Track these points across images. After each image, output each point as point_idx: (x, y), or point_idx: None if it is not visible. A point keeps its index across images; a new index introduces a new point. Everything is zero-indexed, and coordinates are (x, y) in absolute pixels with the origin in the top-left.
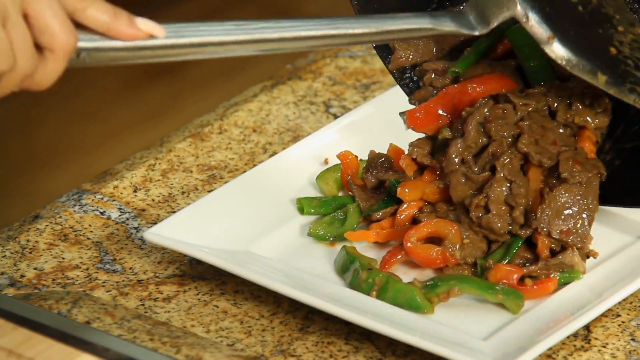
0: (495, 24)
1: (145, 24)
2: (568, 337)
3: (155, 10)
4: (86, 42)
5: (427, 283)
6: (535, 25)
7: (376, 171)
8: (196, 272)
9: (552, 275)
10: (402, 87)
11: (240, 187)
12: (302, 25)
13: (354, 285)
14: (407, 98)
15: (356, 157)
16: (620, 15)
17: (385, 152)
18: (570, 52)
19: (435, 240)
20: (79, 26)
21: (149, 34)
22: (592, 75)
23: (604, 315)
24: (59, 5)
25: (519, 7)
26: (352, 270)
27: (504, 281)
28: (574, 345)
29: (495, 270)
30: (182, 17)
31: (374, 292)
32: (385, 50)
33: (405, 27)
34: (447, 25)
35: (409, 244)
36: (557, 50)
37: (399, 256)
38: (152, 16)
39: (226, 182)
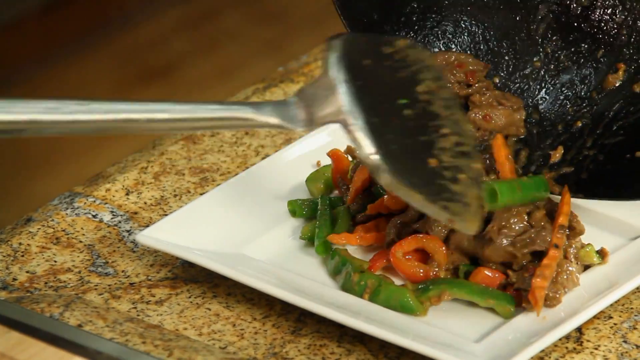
0: (318, 125)
1: None
2: (560, 340)
3: (153, 12)
4: None
5: (419, 286)
6: (358, 138)
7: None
8: (188, 275)
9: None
10: None
11: (232, 190)
12: (112, 107)
13: (346, 287)
14: None
15: (346, 155)
16: (448, 112)
17: None
18: (389, 173)
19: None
20: None
21: None
22: (409, 196)
23: (596, 317)
24: None
25: (343, 115)
26: (344, 273)
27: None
28: (566, 348)
29: (475, 273)
30: (180, 18)
31: (367, 295)
32: None
33: (223, 115)
34: (268, 117)
35: (394, 258)
36: (376, 170)
37: (386, 260)
38: (150, 17)
39: (218, 185)
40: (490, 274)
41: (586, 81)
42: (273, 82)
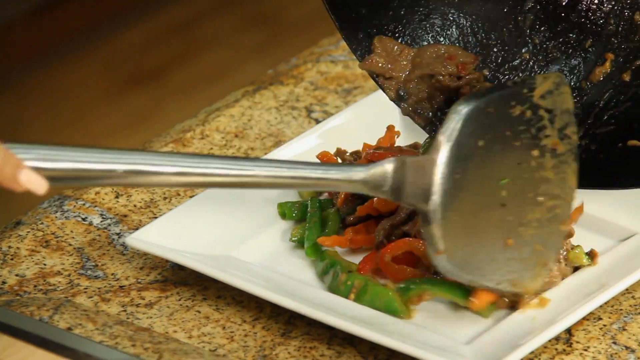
0: (405, 204)
1: (28, 178)
2: (550, 341)
3: (143, 15)
4: None
5: (400, 286)
6: (434, 235)
7: None
8: (178, 278)
9: None
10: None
11: (222, 193)
12: (209, 163)
13: (332, 287)
14: (388, 102)
15: (336, 158)
16: (557, 170)
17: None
18: (454, 270)
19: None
20: None
21: (28, 189)
22: (471, 283)
23: (585, 318)
24: None
25: (428, 209)
26: (331, 273)
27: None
28: (556, 349)
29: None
30: (171, 21)
31: (352, 295)
32: (359, 46)
33: (312, 176)
34: (360, 186)
35: (383, 262)
36: (441, 266)
37: (375, 262)
38: (139, 21)
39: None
40: None
41: (575, 71)
42: (263, 84)
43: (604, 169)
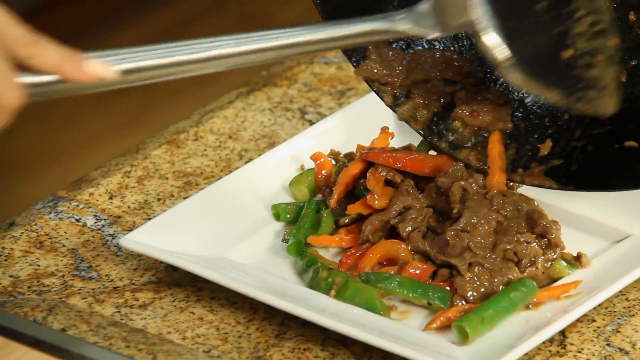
0: (452, 30)
1: (95, 66)
2: (544, 343)
3: (139, 14)
4: (35, 89)
5: (362, 277)
6: (492, 43)
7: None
8: (172, 279)
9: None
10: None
11: (216, 194)
12: (252, 38)
13: (312, 284)
14: (381, 104)
15: (330, 159)
16: None
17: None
18: (523, 76)
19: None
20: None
21: (99, 77)
22: (544, 94)
23: (579, 320)
24: (4, 62)
25: (477, 21)
26: (311, 271)
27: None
28: (550, 351)
29: (409, 266)
30: (163, 22)
31: (333, 292)
32: (353, 52)
33: (362, 31)
34: (403, 25)
35: (365, 271)
36: (510, 75)
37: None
38: (132, 22)
39: (202, 189)
40: (417, 271)
41: None
42: (256, 86)
43: (601, 170)
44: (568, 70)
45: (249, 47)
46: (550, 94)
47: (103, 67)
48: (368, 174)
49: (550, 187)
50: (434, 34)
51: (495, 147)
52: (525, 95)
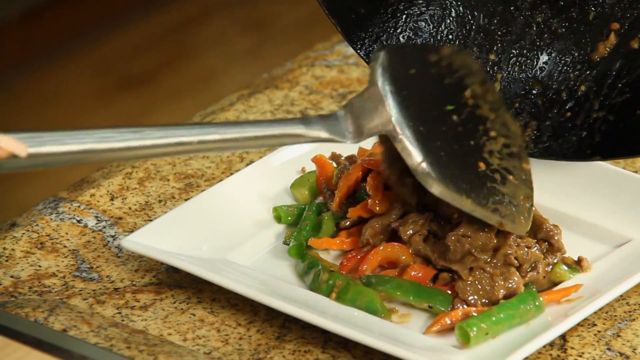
0: (367, 136)
1: (6, 142)
2: (544, 347)
3: (133, 19)
4: None
5: (362, 280)
6: (407, 147)
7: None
8: (173, 280)
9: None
10: None
11: (217, 196)
12: (164, 132)
13: (313, 287)
14: None
15: (331, 162)
16: (494, 114)
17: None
18: (438, 181)
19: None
20: None
21: (10, 152)
22: (459, 201)
23: (580, 324)
24: None
25: (392, 125)
26: (312, 273)
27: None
28: (550, 355)
29: (410, 268)
30: (161, 25)
31: (334, 294)
32: (362, 46)
33: (274, 133)
34: (318, 132)
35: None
36: (425, 178)
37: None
38: (130, 25)
39: (203, 191)
40: (419, 274)
41: (582, 45)
42: (257, 88)
43: (627, 137)
44: (483, 180)
45: (152, 142)
46: (466, 202)
47: (15, 143)
48: (368, 179)
49: (573, 160)
50: (348, 140)
51: None
52: (539, 71)
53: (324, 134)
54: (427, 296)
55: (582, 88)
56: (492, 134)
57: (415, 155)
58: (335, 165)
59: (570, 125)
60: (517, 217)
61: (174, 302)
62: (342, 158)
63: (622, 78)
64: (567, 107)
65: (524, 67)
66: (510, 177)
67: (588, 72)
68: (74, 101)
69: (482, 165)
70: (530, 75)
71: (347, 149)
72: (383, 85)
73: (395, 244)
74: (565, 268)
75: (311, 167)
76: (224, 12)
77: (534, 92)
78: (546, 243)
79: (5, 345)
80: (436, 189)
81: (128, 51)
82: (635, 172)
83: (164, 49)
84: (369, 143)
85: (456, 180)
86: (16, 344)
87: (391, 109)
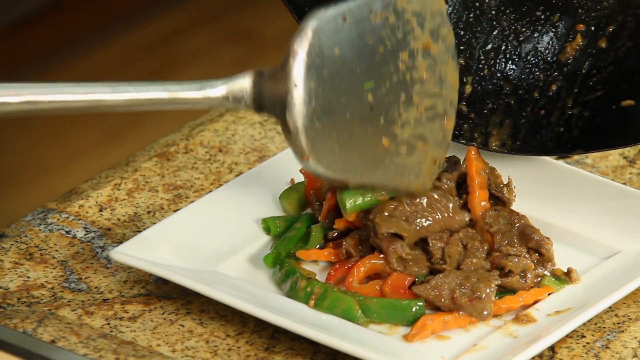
0: (261, 114)
1: None
2: (533, 358)
3: (121, 30)
4: None
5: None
6: (294, 142)
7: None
8: (162, 292)
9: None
10: None
11: (206, 207)
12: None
13: (291, 294)
14: None
15: None
16: (429, 73)
17: None
18: (326, 170)
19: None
20: None
21: None
22: (347, 182)
23: (568, 336)
24: None
25: (288, 117)
26: (290, 281)
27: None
28: None
29: (390, 278)
30: (153, 33)
31: (312, 301)
32: None
33: (168, 97)
34: (215, 88)
35: (351, 287)
36: (310, 169)
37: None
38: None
39: (192, 202)
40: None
41: (549, 46)
42: None
43: (605, 131)
44: (384, 157)
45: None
46: (354, 182)
47: None
48: None
49: (554, 154)
50: (243, 105)
51: (472, 164)
52: (509, 72)
53: (221, 91)
54: (403, 311)
55: (553, 87)
56: (415, 99)
57: (300, 150)
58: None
59: (545, 122)
60: (415, 182)
61: (163, 313)
62: None
63: (593, 77)
64: (540, 105)
65: (493, 69)
66: (420, 144)
67: (557, 73)
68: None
69: (385, 142)
70: (500, 77)
71: None
72: (297, 73)
73: (380, 255)
74: (553, 279)
75: (300, 178)
76: (211, 23)
77: (505, 91)
78: (537, 254)
79: None
80: (324, 178)
81: (116, 62)
82: (624, 183)
83: (152, 59)
84: None
85: (349, 168)
86: (5, 354)
87: (294, 104)
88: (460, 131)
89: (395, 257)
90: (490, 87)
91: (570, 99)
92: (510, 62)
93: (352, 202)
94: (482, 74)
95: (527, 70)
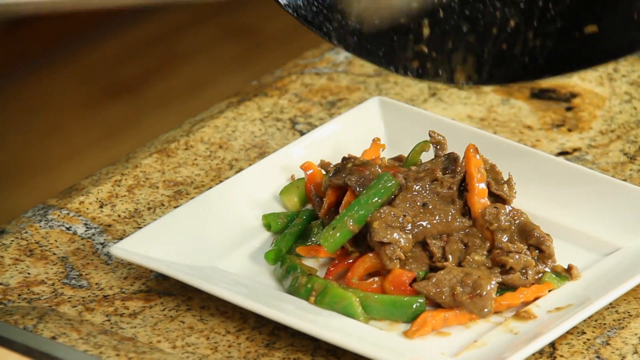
0: None
1: None
2: (534, 355)
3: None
4: None
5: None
6: None
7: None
8: (162, 288)
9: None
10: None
11: (206, 203)
12: None
13: (292, 290)
14: (372, 115)
15: (320, 169)
16: None
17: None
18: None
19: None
20: None
21: None
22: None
23: (569, 332)
24: None
25: None
26: (291, 277)
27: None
28: None
29: (391, 275)
30: (150, 32)
31: (312, 298)
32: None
33: None
34: None
35: (351, 283)
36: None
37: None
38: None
39: (192, 198)
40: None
41: None
42: (247, 96)
43: (573, 56)
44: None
45: None
46: None
47: None
48: (348, 192)
49: (522, 81)
50: None
51: (471, 161)
52: (465, 11)
53: None
54: (404, 309)
55: (511, 23)
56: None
57: None
58: (324, 172)
59: (509, 54)
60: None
61: (163, 310)
62: (331, 165)
63: (550, 10)
64: (501, 40)
65: (448, 11)
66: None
67: (512, 9)
68: (62, 108)
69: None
70: (456, 17)
71: (337, 157)
72: None
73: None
74: (554, 276)
75: (300, 174)
76: (212, 19)
77: (463, 30)
78: (537, 251)
79: None
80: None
81: (116, 58)
82: (625, 180)
83: (152, 56)
84: (358, 151)
85: None
86: (5, 351)
87: None
88: (423, 69)
89: (387, 260)
90: (447, 27)
91: (531, 31)
92: (464, 2)
93: (331, 241)
94: (438, 17)
95: (482, 10)
